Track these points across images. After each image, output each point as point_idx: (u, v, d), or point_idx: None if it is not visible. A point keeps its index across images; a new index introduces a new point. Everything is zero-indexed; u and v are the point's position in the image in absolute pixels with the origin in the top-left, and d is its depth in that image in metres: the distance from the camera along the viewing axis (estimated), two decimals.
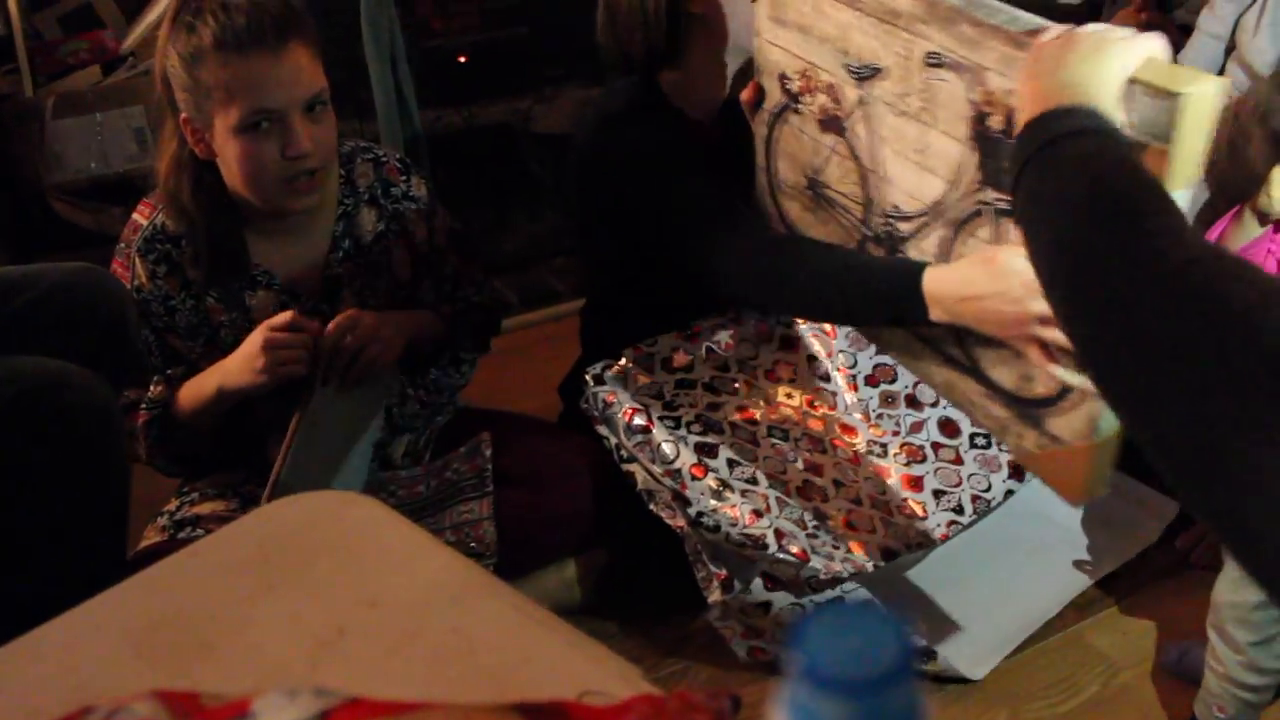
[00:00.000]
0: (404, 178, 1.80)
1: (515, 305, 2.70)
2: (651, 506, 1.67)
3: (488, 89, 3.23)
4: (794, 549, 1.60)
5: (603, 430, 1.72)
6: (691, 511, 1.62)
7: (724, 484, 1.65)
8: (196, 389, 1.67)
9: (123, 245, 1.69)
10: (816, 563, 1.60)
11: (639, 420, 1.69)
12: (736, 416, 1.75)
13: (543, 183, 2.96)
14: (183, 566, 0.91)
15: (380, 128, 2.48)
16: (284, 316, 1.59)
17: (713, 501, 1.63)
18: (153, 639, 0.83)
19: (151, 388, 1.68)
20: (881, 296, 1.40)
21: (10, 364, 1.20)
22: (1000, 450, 1.81)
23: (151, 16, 3.11)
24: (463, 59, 3.28)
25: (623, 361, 1.75)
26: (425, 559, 0.88)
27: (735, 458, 1.69)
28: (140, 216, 1.69)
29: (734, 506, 1.62)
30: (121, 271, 1.68)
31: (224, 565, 0.90)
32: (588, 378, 1.73)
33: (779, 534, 1.60)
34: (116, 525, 1.29)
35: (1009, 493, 1.78)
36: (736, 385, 1.80)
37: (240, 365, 1.60)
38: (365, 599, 0.83)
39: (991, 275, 1.26)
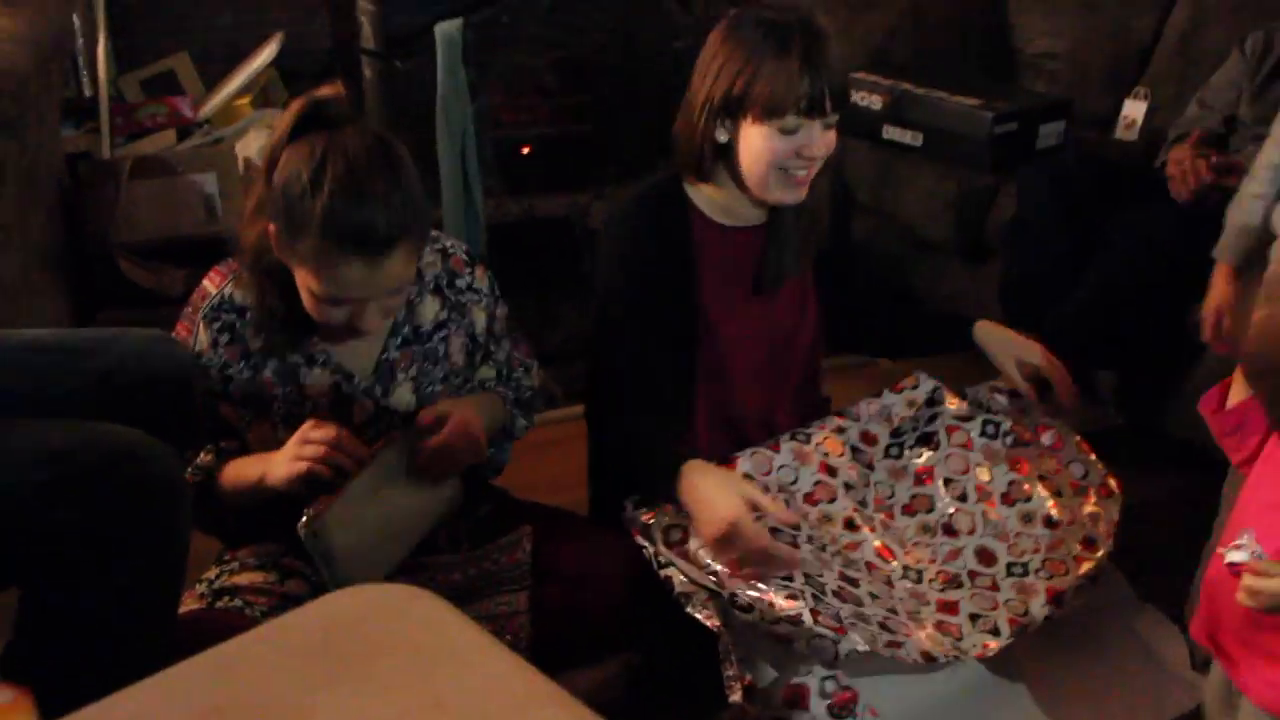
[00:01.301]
0: (469, 269, 1.84)
1: (559, 397, 2.73)
2: (689, 609, 1.68)
3: (549, 182, 3.30)
4: (831, 624, 1.59)
5: (640, 540, 1.73)
6: (726, 593, 1.63)
7: (758, 591, 1.66)
8: (240, 471, 1.69)
9: (189, 309, 1.73)
10: (856, 635, 1.59)
11: (675, 534, 1.71)
12: (775, 523, 1.76)
13: (591, 278, 3.01)
14: (248, 650, 0.92)
15: (444, 215, 2.54)
16: (329, 430, 1.60)
17: (751, 593, 1.64)
18: None
19: (201, 455, 1.71)
20: (655, 482, 1.77)
21: (89, 430, 1.23)
22: (1038, 577, 1.80)
23: (230, 88, 3.21)
24: (526, 150, 3.36)
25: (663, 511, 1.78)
26: (489, 661, 0.88)
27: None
28: (210, 284, 1.73)
29: (770, 594, 1.63)
30: (185, 335, 1.71)
31: (288, 652, 0.91)
32: (627, 503, 1.76)
33: (815, 613, 1.60)
34: (173, 594, 1.31)
35: (1048, 618, 1.77)
36: (775, 504, 1.80)
37: (280, 460, 1.62)
38: (429, 699, 0.84)
39: (697, 503, 1.68)
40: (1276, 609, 1.28)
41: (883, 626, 1.67)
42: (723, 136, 1.84)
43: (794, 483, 1.85)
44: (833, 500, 1.85)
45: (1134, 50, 3.23)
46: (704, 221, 1.94)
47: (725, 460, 1.84)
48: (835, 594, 1.70)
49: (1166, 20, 3.18)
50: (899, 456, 1.96)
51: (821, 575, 1.72)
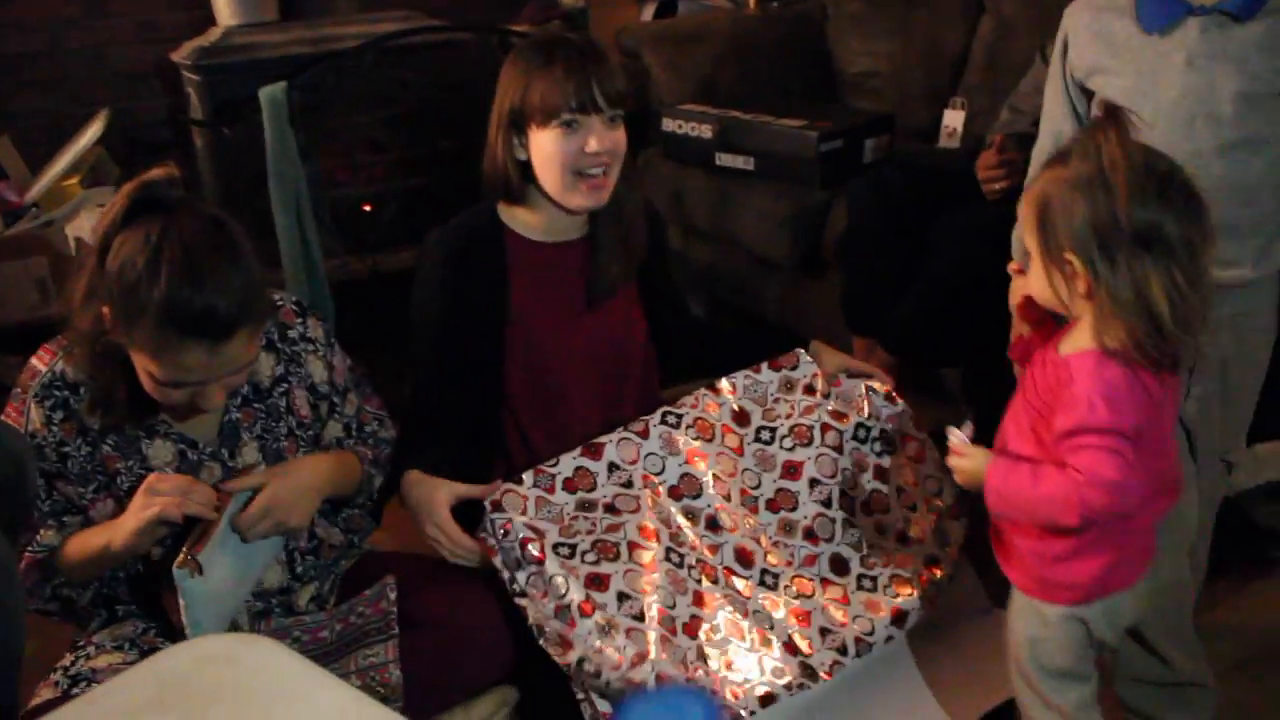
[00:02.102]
0: (300, 319, 1.84)
1: None
2: (541, 642, 1.69)
3: (392, 237, 3.30)
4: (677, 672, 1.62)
5: (497, 563, 1.74)
6: (573, 657, 1.65)
7: (609, 623, 1.67)
8: (85, 542, 1.67)
9: (18, 390, 1.69)
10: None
11: (533, 550, 1.71)
12: (636, 537, 1.77)
13: None
14: (79, 714, 0.91)
15: (285, 274, 2.53)
16: (177, 479, 1.62)
17: (597, 641, 1.65)
18: None
19: (42, 532, 1.67)
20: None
21: None
22: (885, 594, 1.85)
23: (57, 169, 3.14)
24: (367, 208, 3.36)
25: (523, 484, 1.77)
26: (322, 696, 0.89)
27: (626, 590, 1.71)
28: (40, 362, 1.69)
29: (619, 651, 1.64)
30: (15, 416, 1.67)
31: (119, 712, 0.90)
32: (487, 504, 1.75)
33: (659, 678, 1.63)
34: (7, 683, 1.27)
35: (889, 638, 1.82)
36: (640, 501, 1.81)
37: (126, 519, 1.60)
38: None
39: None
40: (974, 487, 1.56)
41: (729, 667, 1.70)
42: (521, 154, 1.91)
43: (660, 473, 1.84)
44: (698, 495, 1.85)
45: (947, 64, 3.39)
46: (521, 243, 1.98)
47: (592, 444, 1.83)
48: (685, 627, 1.71)
49: (974, 34, 3.34)
50: (769, 443, 1.94)
51: (674, 606, 1.73)
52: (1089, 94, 1.87)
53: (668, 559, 1.76)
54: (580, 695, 1.67)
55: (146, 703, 0.90)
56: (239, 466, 1.76)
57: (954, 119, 3.21)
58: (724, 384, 1.97)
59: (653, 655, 1.65)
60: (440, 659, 1.78)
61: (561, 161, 1.87)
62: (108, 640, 1.74)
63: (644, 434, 1.87)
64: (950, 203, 2.64)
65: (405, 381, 2.12)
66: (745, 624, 1.76)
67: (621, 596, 1.70)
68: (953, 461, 1.60)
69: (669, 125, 3.20)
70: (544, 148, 1.87)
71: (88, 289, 1.60)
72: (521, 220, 1.99)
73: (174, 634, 1.75)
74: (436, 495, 1.82)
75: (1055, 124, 1.93)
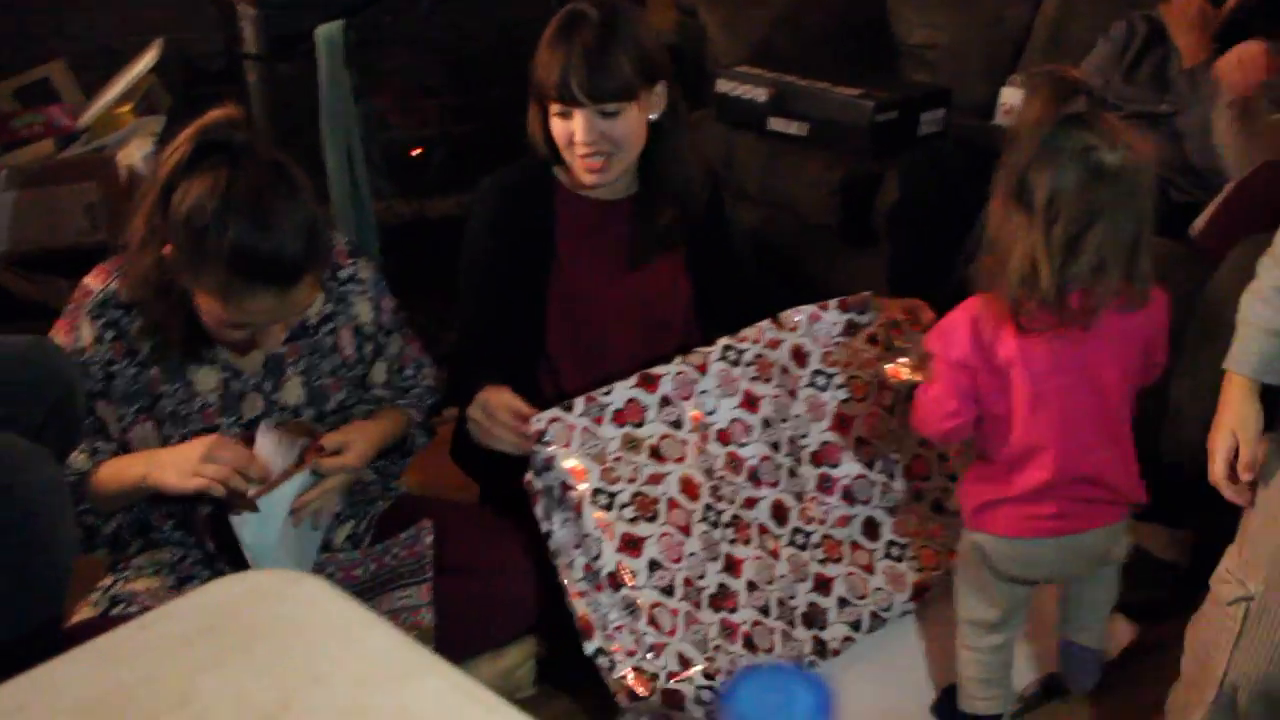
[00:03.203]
0: (351, 261, 1.85)
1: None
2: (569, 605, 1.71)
3: (440, 183, 3.29)
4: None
5: (538, 512, 1.73)
6: (590, 648, 1.66)
7: (635, 603, 1.67)
8: (119, 470, 1.67)
9: (71, 307, 1.70)
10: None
11: (572, 496, 1.70)
12: (677, 492, 1.77)
13: None
14: (128, 640, 0.92)
15: (333, 213, 2.53)
16: (238, 454, 1.62)
17: (618, 618, 1.66)
18: (96, 711, 0.84)
19: (73, 455, 1.69)
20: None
21: None
22: (909, 566, 1.84)
23: (110, 96, 3.15)
24: (416, 152, 3.35)
25: (573, 411, 1.75)
26: (369, 636, 0.89)
27: (659, 558, 1.71)
28: (94, 282, 1.70)
29: (638, 637, 1.65)
30: (66, 332, 1.68)
31: (169, 639, 0.91)
32: (533, 430, 1.74)
33: (671, 675, 1.65)
34: (56, 602, 1.29)
35: (904, 613, 1.82)
36: (686, 448, 1.80)
37: (175, 465, 1.61)
38: (310, 675, 0.85)
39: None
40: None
41: (746, 642, 1.71)
42: (545, 120, 1.91)
43: (712, 414, 1.83)
44: (745, 443, 1.84)
45: (1009, 40, 3.33)
46: (570, 197, 1.99)
47: (648, 374, 1.82)
48: (710, 600, 1.72)
49: (1038, 11, 3.29)
50: (824, 389, 1.92)
51: (702, 576, 1.73)
52: None
53: (704, 518, 1.76)
54: (602, 667, 1.68)
55: (196, 631, 0.91)
56: (280, 401, 1.77)
57: (1012, 96, 3.16)
58: (787, 317, 1.94)
59: (676, 634, 1.66)
60: (471, 606, 1.80)
61: (562, 142, 1.89)
62: (147, 564, 1.77)
63: (702, 369, 1.84)
64: None
65: (447, 328, 2.13)
66: (769, 590, 1.76)
67: (653, 565, 1.70)
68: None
69: (723, 87, 3.16)
70: (553, 124, 1.89)
71: (149, 228, 1.61)
72: (569, 176, 1.98)
73: (211, 561, 1.77)
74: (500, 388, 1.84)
75: None
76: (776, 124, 3.06)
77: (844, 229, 2.93)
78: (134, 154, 2.97)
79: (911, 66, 3.48)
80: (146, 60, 3.19)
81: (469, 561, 1.83)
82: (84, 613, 1.69)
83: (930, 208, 2.68)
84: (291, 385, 1.79)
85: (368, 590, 1.82)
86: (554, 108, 1.86)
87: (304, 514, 1.73)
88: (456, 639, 1.75)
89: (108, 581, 1.75)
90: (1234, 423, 1.57)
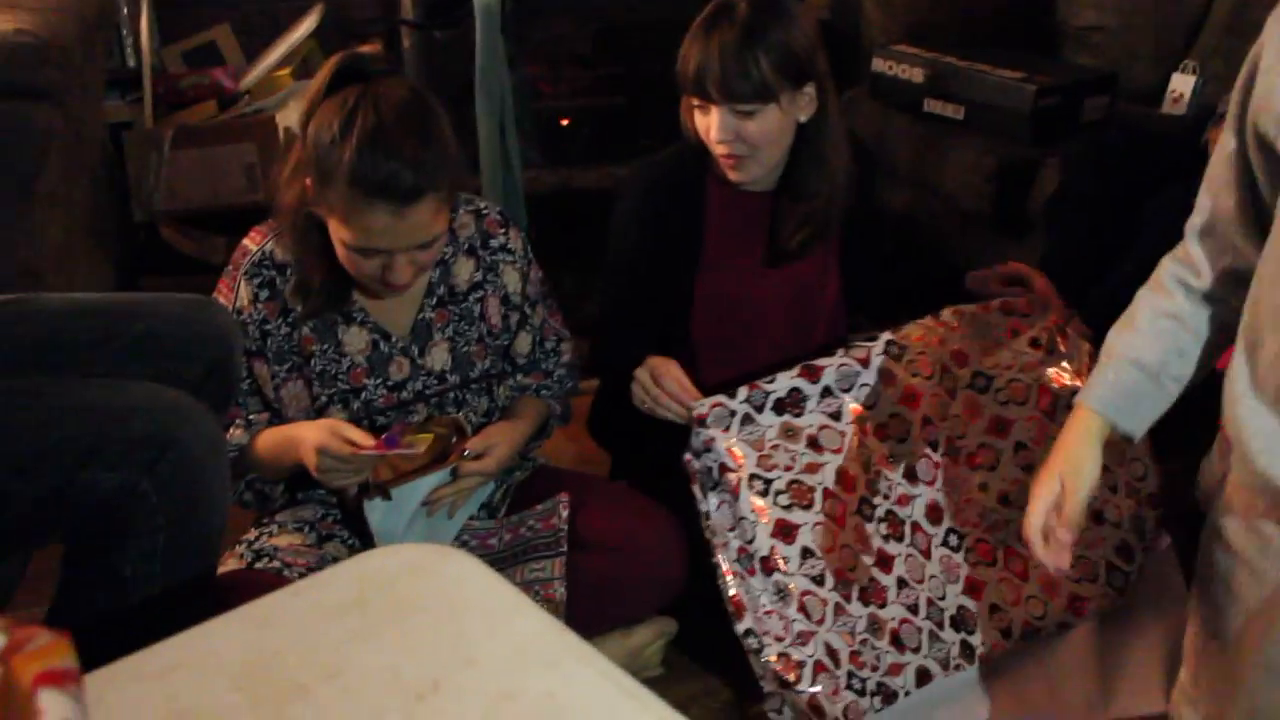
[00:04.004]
0: (502, 230, 1.85)
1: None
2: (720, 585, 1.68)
3: (587, 154, 3.30)
4: (826, 688, 1.61)
5: (696, 491, 1.71)
6: (740, 628, 1.63)
7: (786, 589, 1.64)
8: (271, 447, 1.73)
9: (230, 268, 1.75)
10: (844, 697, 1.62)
11: (730, 478, 1.68)
12: (833, 483, 1.74)
13: None
14: (281, 606, 0.93)
15: (483, 182, 2.54)
16: (341, 447, 1.63)
17: (768, 603, 1.63)
18: (251, 675, 0.85)
19: (231, 431, 1.73)
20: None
21: (132, 391, 1.25)
22: (1067, 580, 1.77)
23: (270, 60, 3.22)
24: (565, 122, 3.36)
25: (735, 398, 1.73)
26: (520, 619, 0.89)
27: (812, 546, 1.68)
28: (251, 242, 1.75)
29: (787, 623, 1.62)
30: (226, 292, 1.73)
31: (323, 608, 0.92)
32: (695, 416, 1.71)
33: (818, 665, 1.61)
34: (212, 554, 1.33)
35: (1063, 625, 1.75)
36: (844, 439, 1.77)
37: (308, 450, 1.65)
38: (461, 655, 0.85)
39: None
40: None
41: (894, 639, 1.67)
42: None
43: (872, 407, 1.78)
44: (904, 438, 1.79)
45: (1182, 23, 3.17)
46: (720, 187, 1.95)
47: (811, 365, 1.77)
48: (860, 593, 1.69)
49: None
50: (983, 391, 1.84)
51: (854, 569, 1.70)
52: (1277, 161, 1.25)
53: (859, 511, 1.73)
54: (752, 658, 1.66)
55: (349, 602, 0.92)
56: (426, 366, 1.79)
57: (1182, 84, 3.02)
58: (948, 316, 1.87)
59: (826, 624, 1.63)
60: (604, 582, 1.79)
61: (700, 135, 1.86)
62: (289, 520, 1.81)
63: (865, 361, 1.79)
64: (1170, 176, 2.49)
65: (587, 299, 2.13)
66: (919, 589, 1.72)
67: (805, 553, 1.67)
68: None
69: (878, 65, 3.09)
70: (694, 114, 1.87)
71: (295, 164, 1.66)
72: (718, 165, 1.94)
73: (350, 520, 1.81)
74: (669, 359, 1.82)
75: (1212, 194, 1.38)
76: (932, 105, 2.98)
77: (998, 217, 2.84)
78: (291, 116, 3.03)
79: (1075, 50, 3.35)
80: (307, 25, 3.25)
81: (603, 538, 1.82)
82: (229, 564, 1.74)
83: (1091, 200, 2.58)
84: (438, 351, 1.80)
85: (502, 560, 1.83)
86: (693, 100, 1.84)
87: (437, 507, 1.77)
88: (586, 615, 1.75)
89: (252, 535, 1.79)
90: (1064, 466, 1.36)
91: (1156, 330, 1.37)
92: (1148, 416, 1.39)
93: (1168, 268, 1.42)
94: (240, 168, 2.91)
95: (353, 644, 0.87)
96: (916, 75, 3.01)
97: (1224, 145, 1.33)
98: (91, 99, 2.70)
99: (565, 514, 1.84)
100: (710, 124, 1.82)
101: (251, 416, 1.76)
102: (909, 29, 3.27)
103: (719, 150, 1.84)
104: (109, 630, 1.21)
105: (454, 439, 1.77)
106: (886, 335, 1.82)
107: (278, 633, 0.90)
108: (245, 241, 1.76)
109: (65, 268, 2.39)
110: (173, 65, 3.34)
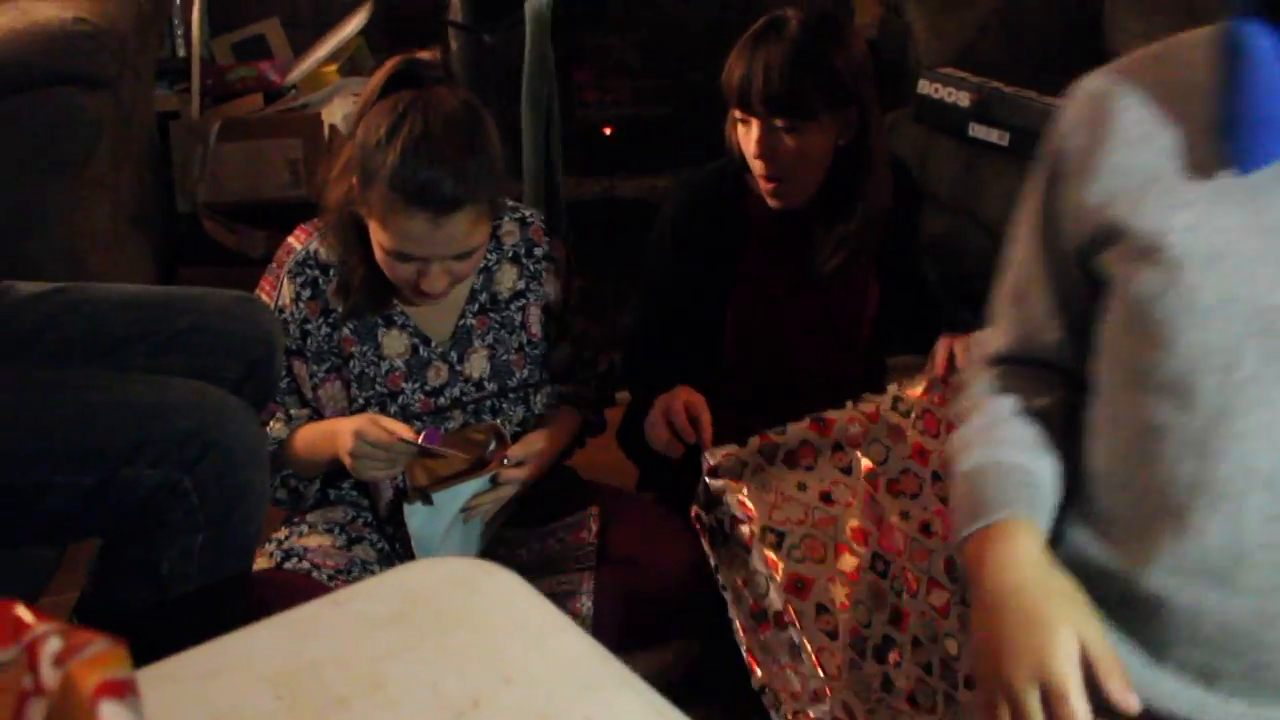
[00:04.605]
0: (546, 239, 1.86)
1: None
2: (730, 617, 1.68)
3: (629, 163, 3.30)
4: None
5: (705, 546, 1.70)
6: (756, 685, 1.61)
7: (800, 645, 1.63)
8: (309, 443, 1.73)
9: (274, 266, 1.76)
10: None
11: (743, 530, 1.67)
12: (847, 534, 1.73)
13: None
14: (321, 615, 0.93)
15: (525, 189, 2.54)
16: (379, 434, 1.63)
17: (784, 658, 1.62)
18: (290, 684, 0.85)
19: (271, 424, 1.74)
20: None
21: (174, 387, 1.25)
22: None
23: (318, 55, 3.24)
24: (608, 131, 3.36)
25: (747, 448, 1.72)
26: (560, 640, 0.89)
27: (825, 603, 1.67)
28: (296, 241, 1.76)
29: (804, 680, 1.61)
30: (269, 290, 1.74)
31: (362, 619, 0.92)
32: (707, 465, 1.71)
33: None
34: (249, 552, 1.33)
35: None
36: (856, 493, 1.76)
37: (344, 442, 1.65)
38: (501, 674, 0.85)
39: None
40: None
41: (909, 699, 1.64)
42: None
43: (883, 463, 1.76)
44: (916, 495, 1.76)
45: None
46: (760, 205, 1.93)
47: (821, 418, 1.76)
48: (874, 651, 1.66)
49: None
50: (907, 415, 1.82)
51: (869, 625, 1.68)
52: (1093, 280, 1.10)
53: (873, 567, 1.72)
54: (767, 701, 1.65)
55: (390, 615, 0.92)
56: (465, 373, 1.79)
57: None
58: (957, 379, 1.86)
59: (841, 679, 1.62)
60: (628, 598, 1.78)
61: (742, 148, 1.86)
62: (320, 521, 1.81)
63: (874, 417, 1.80)
64: None
65: (624, 309, 2.13)
66: (933, 649, 1.70)
67: (820, 609, 1.66)
68: None
69: (925, 88, 3.08)
70: (737, 127, 1.86)
71: (344, 163, 1.67)
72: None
73: (383, 524, 1.81)
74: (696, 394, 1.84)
75: (1026, 319, 1.20)
76: (978, 131, 2.97)
77: None
78: (336, 112, 3.05)
79: None
80: (356, 22, 3.27)
81: (632, 554, 1.81)
82: (259, 562, 1.74)
83: None
84: (477, 358, 1.80)
85: (529, 571, 1.81)
86: (736, 113, 1.84)
87: (474, 514, 1.77)
88: (612, 630, 1.75)
89: (282, 534, 1.80)
90: (1059, 615, 1.01)
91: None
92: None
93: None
94: (284, 162, 2.92)
95: (393, 658, 0.87)
96: (963, 99, 2.99)
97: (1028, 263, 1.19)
98: (143, 88, 2.72)
99: (595, 528, 1.83)
100: (750, 137, 1.82)
101: (293, 412, 1.76)
102: (956, 52, 3.25)
103: (756, 167, 1.84)
104: (143, 627, 1.21)
105: (492, 446, 1.77)
106: (893, 390, 1.83)
107: (318, 643, 0.90)
108: (290, 240, 1.77)
109: (108, 254, 2.40)
110: (221, 57, 3.36)
